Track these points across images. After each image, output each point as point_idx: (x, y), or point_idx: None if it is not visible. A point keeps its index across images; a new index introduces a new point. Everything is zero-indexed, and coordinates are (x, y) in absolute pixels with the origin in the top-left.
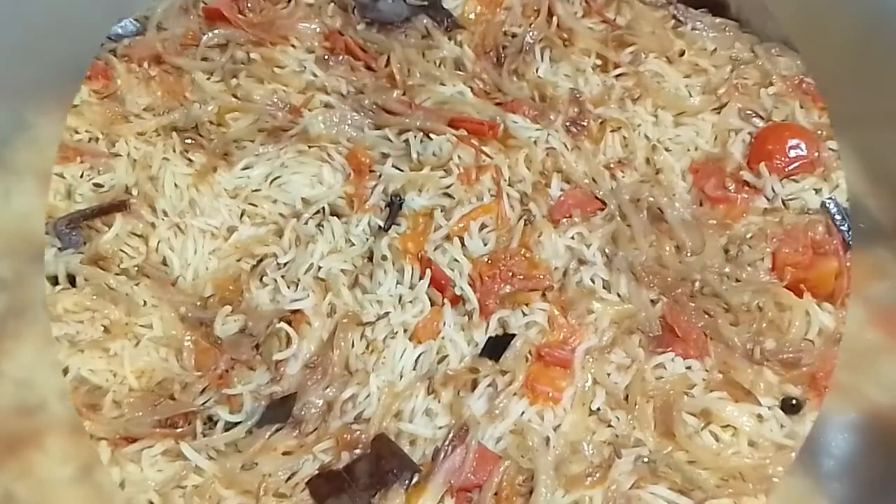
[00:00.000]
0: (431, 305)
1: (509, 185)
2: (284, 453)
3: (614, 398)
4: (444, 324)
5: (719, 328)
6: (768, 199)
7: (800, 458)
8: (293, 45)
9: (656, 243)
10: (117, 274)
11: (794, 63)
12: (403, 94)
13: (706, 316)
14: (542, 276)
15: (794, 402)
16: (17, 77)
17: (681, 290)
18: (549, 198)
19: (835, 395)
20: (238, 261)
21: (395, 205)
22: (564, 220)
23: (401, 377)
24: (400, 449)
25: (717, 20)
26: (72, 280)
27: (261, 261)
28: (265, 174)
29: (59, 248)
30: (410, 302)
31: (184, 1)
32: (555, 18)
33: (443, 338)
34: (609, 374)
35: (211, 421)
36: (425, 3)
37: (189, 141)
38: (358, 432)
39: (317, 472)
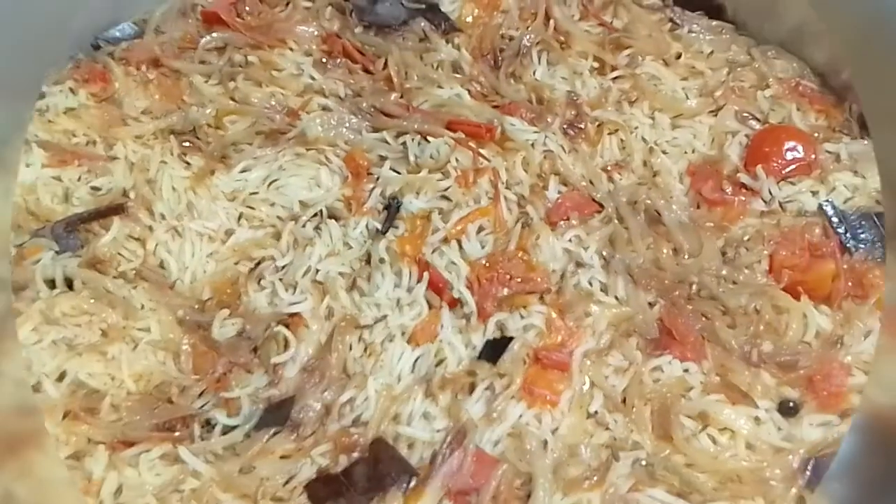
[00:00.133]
0: (429, 308)
1: (507, 187)
2: (282, 457)
3: (612, 401)
4: (442, 327)
5: (716, 331)
6: (765, 202)
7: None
8: (291, 49)
9: (654, 246)
10: (115, 277)
11: (790, 65)
12: (401, 96)
13: (703, 318)
14: (539, 279)
15: (791, 404)
16: (17, 77)
17: (678, 293)
18: (547, 200)
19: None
20: (236, 264)
21: (392, 207)
22: (562, 222)
23: (399, 380)
24: (398, 452)
25: (714, 23)
26: (69, 283)
27: (258, 264)
28: (263, 177)
29: (57, 252)
30: (408, 305)
31: (182, 4)
32: (552, 21)
33: (441, 341)
34: (607, 377)
35: (209, 424)
36: (423, 6)
37: (187, 144)
38: (356, 436)
39: (315, 475)
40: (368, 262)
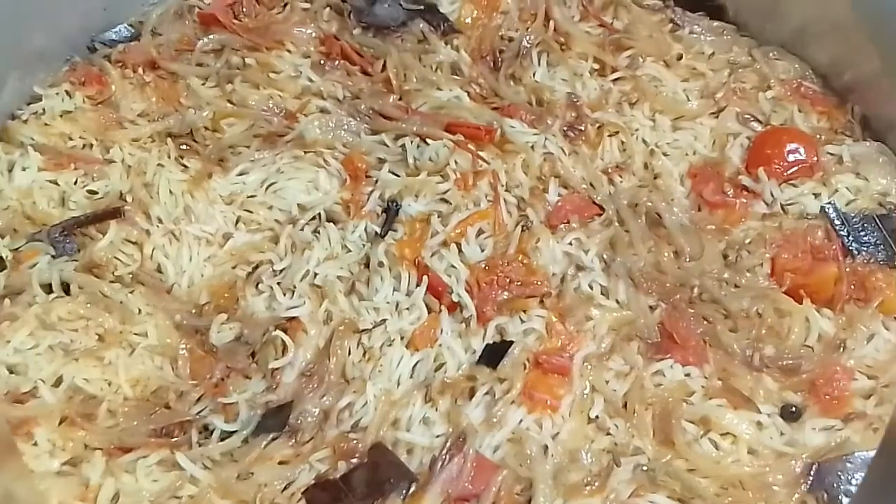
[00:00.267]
0: (428, 312)
1: (506, 190)
2: (280, 462)
3: (613, 406)
4: (442, 331)
5: (718, 334)
6: (767, 204)
7: None
8: (289, 50)
9: (655, 249)
10: (112, 281)
11: (792, 67)
12: (400, 98)
13: (705, 322)
14: (539, 283)
15: (793, 409)
16: (26, 49)
17: (679, 296)
18: (547, 203)
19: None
20: (233, 268)
21: (391, 211)
22: (562, 225)
23: (398, 385)
24: (397, 458)
25: (715, 24)
26: (66, 288)
27: (256, 267)
28: (261, 180)
29: (53, 256)
30: (407, 309)
31: (179, 6)
32: (552, 22)
33: (440, 345)
34: (607, 382)
35: (206, 430)
36: (422, 7)
37: (184, 147)
38: (355, 441)
39: (313, 481)
40: (367, 265)
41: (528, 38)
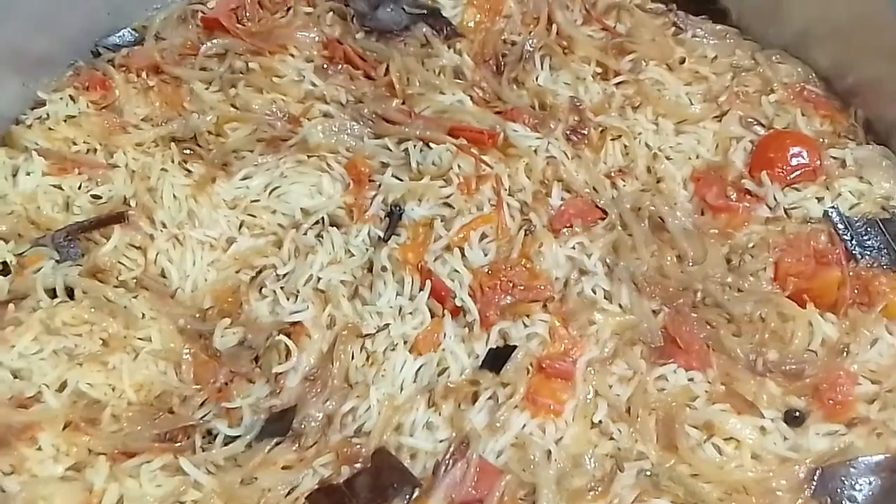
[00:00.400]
0: (432, 317)
1: (509, 194)
2: (284, 467)
3: (616, 410)
4: (445, 335)
5: (721, 339)
6: (770, 208)
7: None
8: (292, 55)
9: (658, 253)
10: (116, 286)
11: (795, 70)
12: (403, 102)
13: (708, 326)
14: (542, 287)
15: (797, 414)
16: (30, 52)
17: (682, 301)
18: (550, 207)
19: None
20: (237, 272)
21: (394, 215)
22: (565, 229)
23: (401, 390)
24: (400, 463)
25: (718, 27)
26: (70, 293)
27: (260, 272)
28: (264, 184)
29: (58, 261)
30: (410, 313)
31: (182, 10)
32: (554, 26)
33: (443, 350)
34: (611, 386)
35: (210, 435)
36: (424, 11)
37: (188, 151)
38: (358, 446)
39: (317, 486)
40: (370, 270)
41: (530, 41)
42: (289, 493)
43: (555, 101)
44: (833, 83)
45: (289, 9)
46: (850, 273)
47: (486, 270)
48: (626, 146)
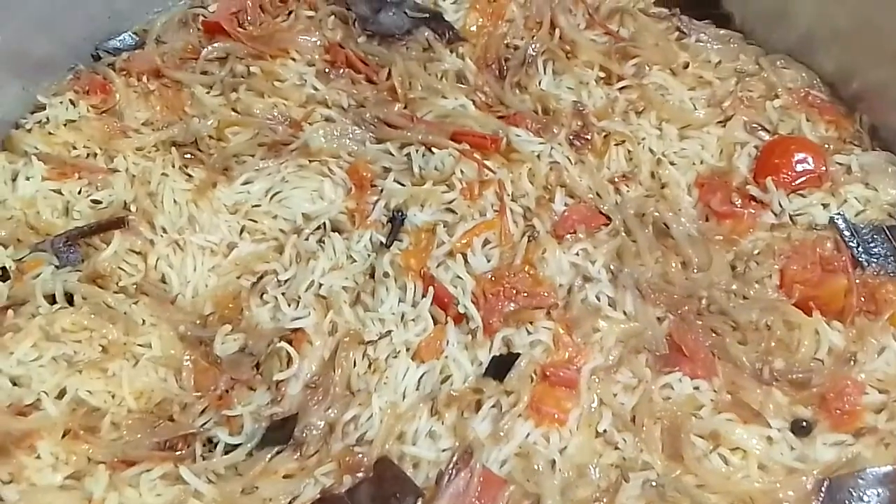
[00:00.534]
0: (434, 324)
1: (512, 199)
2: (285, 476)
3: (621, 419)
4: (448, 343)
5: (727, 347)
6: (775, 215)
7: None
8: (293, 59)
9: (662, 259)
10: (116, 292)
11: (799, 75)
12: (405, 107)
13: (713, 334)
14: (546, 294)
15: (804, 423)
16: (30, 55)
17: (687, 308)
18: (553, 213)
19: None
20: (238, 278)
21: (397, 220)
22: (569, 235)
23: (403, 398)
24: (403, 472)
25: (722, 32)
26: (69, 299)
27: (261, 278)
28: (265, 189)
29: (57, 266)
30: (413, 320)
31: (183, 14)
32: (557, 30)
33: (446, 357)
34: (615, 395)
35: (210, 443)
36: (427, 15)
37: (188, 156)
38: (360, 455)
39: (318, 496)
40: (372, 276)
41: (533, 46)
42: (290, 503)
43: (558, 106)
44: (838, 88)
45: (290, 12)
46: (857, 280)
47: (490, 277)
48: (629, 151)
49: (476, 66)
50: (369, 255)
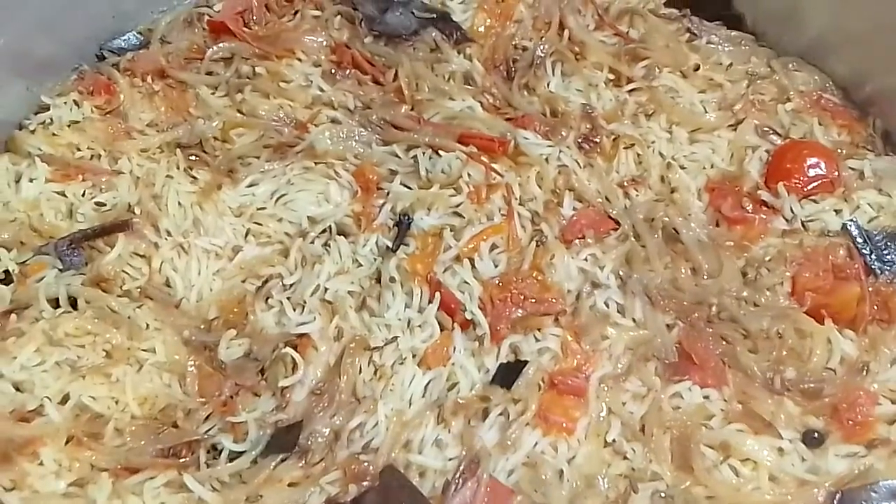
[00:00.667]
0: (441, 330)
1: (520, 203)
2: (290, 485)
3: (630, 429)
4: (455, 349)
5: (738, 355)
6: (787, 220)
7: None
8: (299, 59)
9: (672, 265)
10: (119, 296)
11: (812, 78)
12: (412, 108)
13: (724, 342)
14: (554, 300)
15: (815, 434)
16: (34, 55)
17: (697, 315)
18: (562, 217)
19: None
20: (243, 282)
21: (403, 224)
22: (577, 240)
23: (410, 405)
24: (409, 481)
25: (733, 33)
26: (73, 303)
27: (266, 282)
28: (271, 191)
29: (60, 270)
30: (419, 326)
31: (188, 14)
32: (566, 31)
33: (453, 364)
34: (624, 404)
35: (215, 450)
36: (434, 15)
37: (193, 157)
38: (366, 463)
39: None
40: (378, 280)
41: (542, 47)
42: None
43: (566, 109)
44: (851, 92)
45: (296, 12)
46: (870, 288)
47: (497, 282)
48: (639, 155)
49: (484, 67)
50: (375, 260)
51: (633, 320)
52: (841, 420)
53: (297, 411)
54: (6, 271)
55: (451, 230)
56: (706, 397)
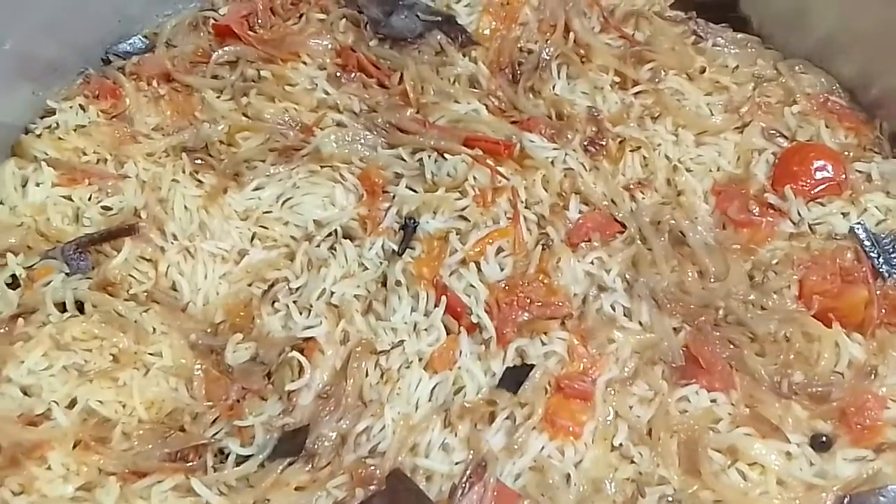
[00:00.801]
0: (447, 334)
1: (526, 207)
2: (297, 489)
3: (637, 433)
4: (461, 353)
5: (745, 359)
6: (794, 223)
7: None
8: (304, 62)
9: (678, 268)
10: (126, 300)
11: (818, 80)
12: (417, 112)
13: (731, 346)
14: (560, 304)
15: (823, 438)
16: (40, 59)
17: (704, 318)
18: (568, 220)
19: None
20: (249, 285)
21: (409, 228)
22: (583, 244)
23: (416, 409)
24: (416, 485)
25: (739, 36)
26: (80, 307)
27: (272, 285)
28: (276, 195)
29: (67, 274)
30: (426, 330)
31: (193, 17)
32: (571, 34)
33: (459, 368)
34: (631, 408)
35: (222, 454)
36: (439, 18)
37: (199, 161)
38: (372, 467)
39: None
40: (384, 284)
41: (547, 50)
42: None
43: (572, 111)
44: (857, 94)
45: (301, 15)
46: (878, 292)
47: (503, 286)
48: (645, 158)
49: (489, 70)
50: (381, 263)
51: (640, 324)
52: (849, 424)
53: (303, 415)
54: (13, 276)
55: (456, 234)
56: (713, 401)
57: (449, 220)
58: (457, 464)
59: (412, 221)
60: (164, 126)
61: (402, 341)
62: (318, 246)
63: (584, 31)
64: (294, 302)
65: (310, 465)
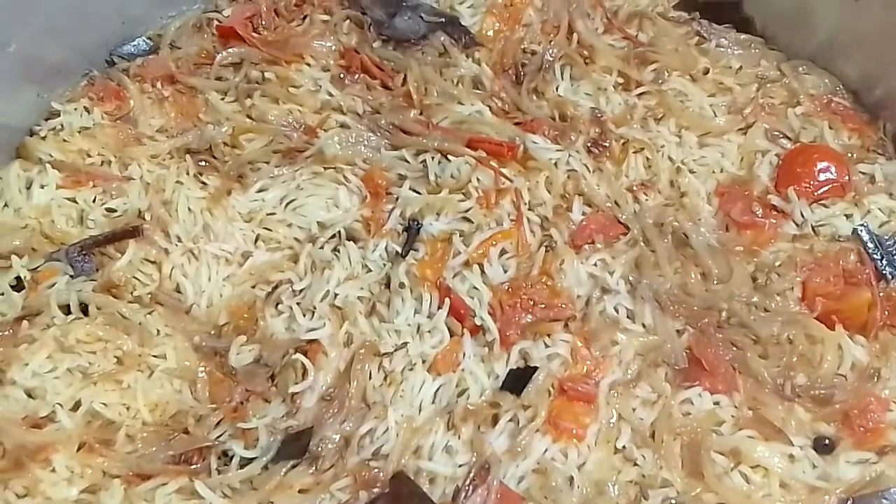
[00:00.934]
0: (451, 336)
1: (529, 208)
2: (300, 491)
3: (640, 435)
4: (464, 355)
5: (748, 361)
6: (797, 225)
7: None
8: (308, 64)
9: (681, 270)
10: (130, 302)
11: (822, 81)
12: (420, 113)
13: (734, 348)
14: (564, 305)
15: (826, 441)
16: (44, 61)
17: (707, 320)
18: (571, 222)
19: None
20: (253, 287)
21: (412, 229)
22: (587, 245)
23: (419, 411)
24: (419, 488)
25: (743, 37)
26: (84, 309)
27: (276, 287)
28: (280, 197)
29: (71, 276)
30: (429, 332)
31: (197, 19)
32: (575, 35)
33: (462, 370)
34: (634, 410)
35: (226, 456)
36: (442, 19)
37: (203, 163)
38: (376, 469)
39: None
40: (388, 286)
41: (550, 51)
42: None
43: (575, 113)
44: (861, 95)
45: (305, 17)
46: (881, 294)
47: (507, 288)
48: (648, 159)
49: (493, 71)
50: (384, 265)
51: (643, 326)
52: (852, 426)
53: (307, 417)
54: (18, 278)
55: (460, 235)
56: (716, 403)
57: (452, 222)
58: (460, 466)
59: (415, 223)
60: (168, 128)
61: (405, 343)
62: (322, 248)
63: (588, 32)
64: (297, 304)
65: (313, 468)
